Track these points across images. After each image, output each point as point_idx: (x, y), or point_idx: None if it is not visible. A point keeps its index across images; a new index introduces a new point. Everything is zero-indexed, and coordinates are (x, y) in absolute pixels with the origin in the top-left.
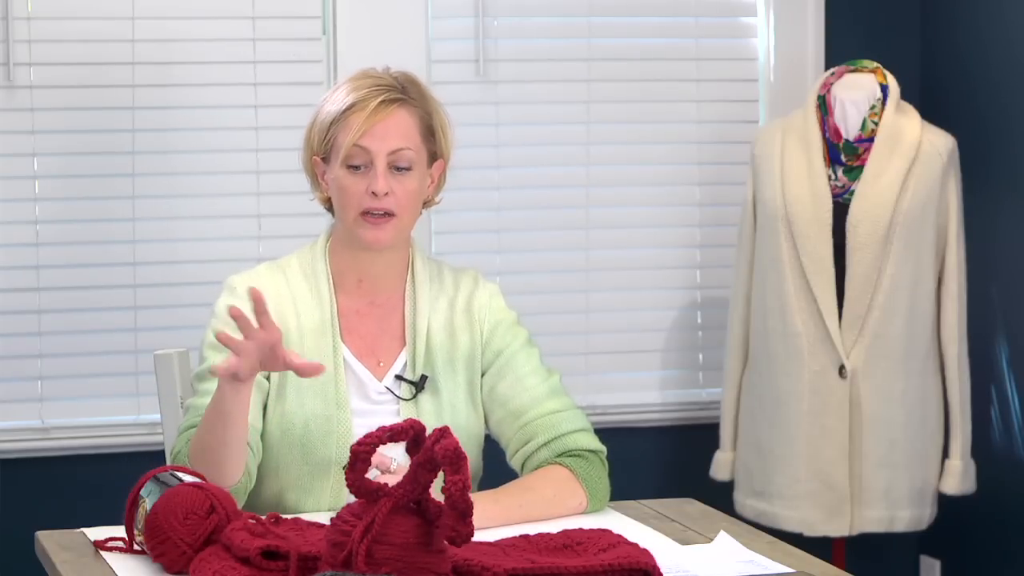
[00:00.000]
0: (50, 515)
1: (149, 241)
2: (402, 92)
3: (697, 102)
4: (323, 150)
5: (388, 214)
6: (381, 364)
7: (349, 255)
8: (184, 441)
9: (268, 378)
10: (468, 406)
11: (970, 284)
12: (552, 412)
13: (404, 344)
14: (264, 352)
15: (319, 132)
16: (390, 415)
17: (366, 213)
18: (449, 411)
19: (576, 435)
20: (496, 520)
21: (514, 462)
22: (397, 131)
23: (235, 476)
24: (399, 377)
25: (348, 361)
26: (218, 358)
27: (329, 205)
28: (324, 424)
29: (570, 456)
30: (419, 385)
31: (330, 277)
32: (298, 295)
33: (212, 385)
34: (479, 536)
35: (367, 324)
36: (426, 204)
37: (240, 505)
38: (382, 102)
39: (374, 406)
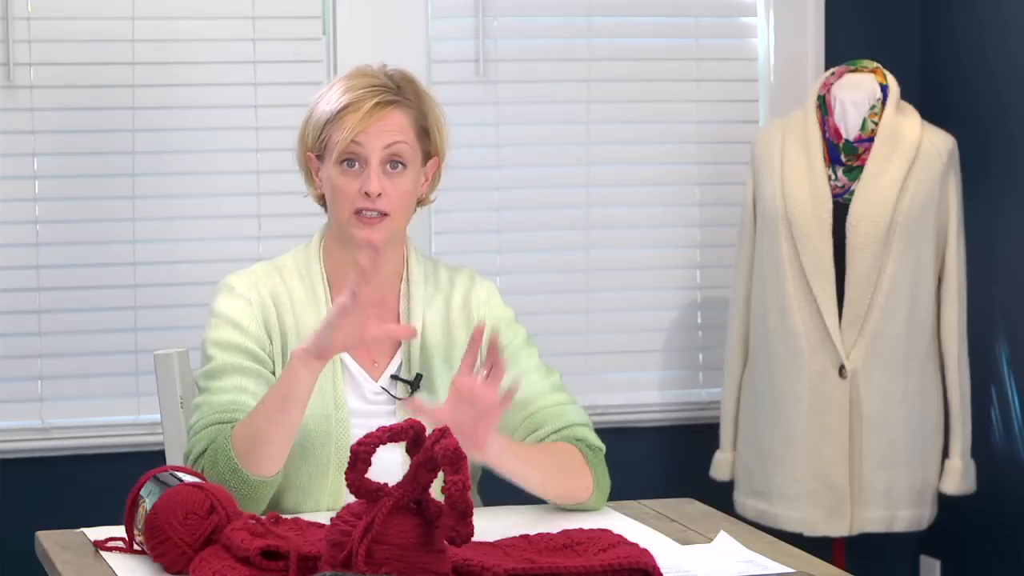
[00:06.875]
0: (50, 515)
1: (149, 241)
2: (397, 92)
3: (697, 102)
4: (317, 148)
5: (382, 214)
6: (376, 363)
7: (343, 252)
8: (203, 440)
9: (273, 373)
10: None
11: (970, 284)
12: (558, 404)
13: (400, 343)
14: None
15: (313, 130)
16: (387, 415)
17: (359, 212)
18: None
19: (582, 428)
20: (509, 462)
21: None
22: (392, 131)
23: (278, 466)
24: (395, 377)
25: (344, 360)
26: (225, 357)
27: (324, 201)
28: (323, 424)
29: (579, 444)
30: (414, 384)
31: (325, 276)
32: (294, 295)
33: (223, 382)
34: (479, 533)
35: None
36: (420, 203)
37: (266, 502)
38: (377, 103)
39: (370, 406)
